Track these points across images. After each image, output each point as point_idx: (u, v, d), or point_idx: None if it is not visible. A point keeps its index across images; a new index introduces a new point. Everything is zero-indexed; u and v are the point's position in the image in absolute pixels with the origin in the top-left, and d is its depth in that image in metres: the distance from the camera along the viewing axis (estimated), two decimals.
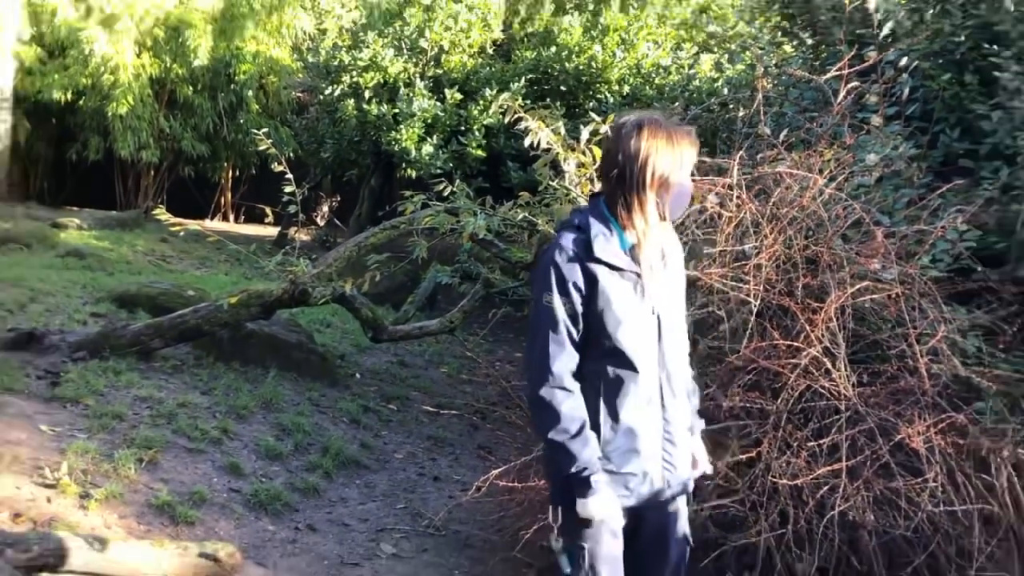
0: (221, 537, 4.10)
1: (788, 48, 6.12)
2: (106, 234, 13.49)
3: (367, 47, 11.32)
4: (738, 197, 3.54)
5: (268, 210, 7.90)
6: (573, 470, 2.32)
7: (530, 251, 5.25)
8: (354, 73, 11.47)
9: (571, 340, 2.37)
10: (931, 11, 4.38)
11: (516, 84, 10.13)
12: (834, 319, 3.33)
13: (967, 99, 4.37)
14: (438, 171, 10.21)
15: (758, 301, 3.39)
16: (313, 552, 4.27)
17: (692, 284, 3.67)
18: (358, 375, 7.41)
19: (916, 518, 3.26)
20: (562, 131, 3.57)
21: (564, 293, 2.35)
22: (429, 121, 10.72)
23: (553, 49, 10.72)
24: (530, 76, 10.63)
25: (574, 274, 2.35)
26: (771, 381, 3.50)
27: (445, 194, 4.50)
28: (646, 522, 2.52)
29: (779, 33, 6.21)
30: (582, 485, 2.33)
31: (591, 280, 2.35)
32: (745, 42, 6.10)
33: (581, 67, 10.51)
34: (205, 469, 4.74)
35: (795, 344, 3.34)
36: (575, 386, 2.38)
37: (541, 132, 3.48)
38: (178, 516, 4.14)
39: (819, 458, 3.29)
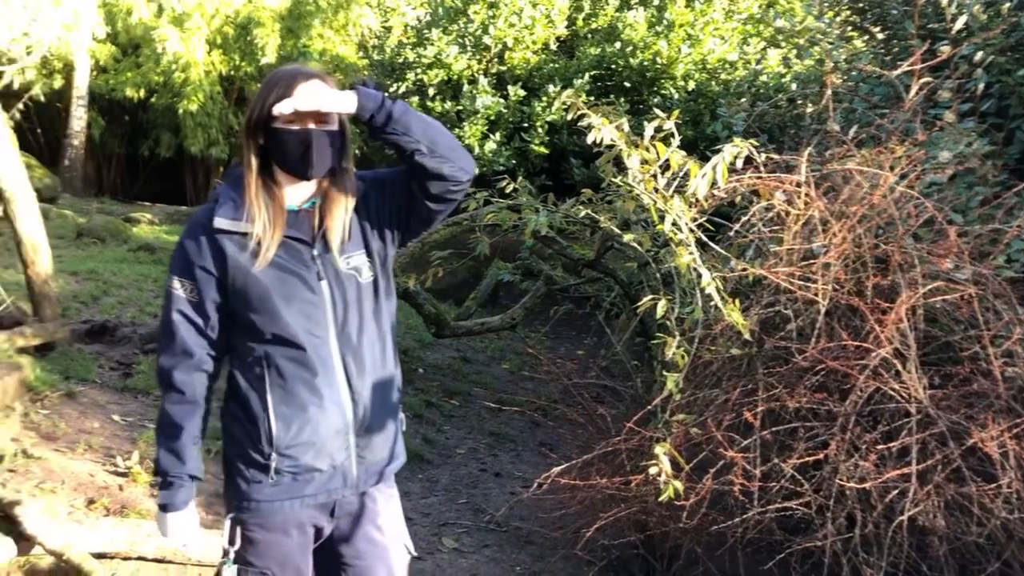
0: None
1: (858, 43, 6.00)
2: (176, 229, 13.79)
3: (431, 44, 11.38)
4: (806, 195, 3.48)
5: None
6: (158, 476, 2.19)
7: (592, 248, 5.23)
8: (418, 70, 11.55)
9: (195, 330, 2.13)
10: (1007, 4, 4.25)
11: (580, 80, 10.11)
12: (905, 320, 3.25)
13: None
14: (501, 168, 10.23)
15: (826, 301, 3.33)
16: None
17: (758, 283, 3.62)
18: (421, 370, 7.46)
19: (989, 524, 3.17)
20: (626, 127, 3.53)
21: (188, 276, 2.11)
22: (492, 118, 10.74)
23: (617, 45, 10.67)
24: (594, 72, 10.59)
25: (200, 253, 2.10)
26: (839, 382, 3.43)
27: (507, 191, 4.51)
28: (342, 531, 2.31)
29: (849, 28, 6.09)
30: (161, 497, 2.20)
31: (220, 257, 2.09)
32: (814, 37, 5.97)
33: (645, 63, 10.45)
34: None
35: (864, 345, 3.28)
36: (188, 385, 2.13)
37: (604, 128, 3.44)
38: None
39: (888, 461, 3.22)
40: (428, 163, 2.14)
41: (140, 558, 3.57)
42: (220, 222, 2.07)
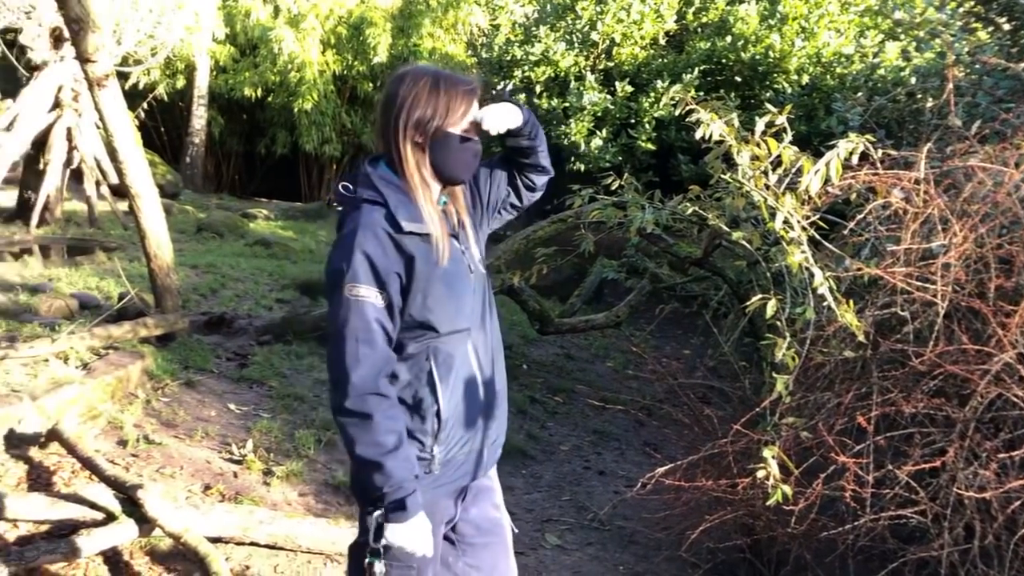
0: None
1: (982, 35, 5.76)
2: (291, 224, 14.22)
3: (539, 41, 11.40)
4: (925, 192, 3.36)
5: None
6: (387, 490, 2.04)
7: (700, 246, 5.16)
8: (526, 68, 11.58)
9: (386, 336, 2.07)
10: None
11: (689, 75, 9.97)
12: None
13: None
14: (607, 164, 10.18)
15: (946, 303, 3.20)
16: None
17: (874, 283, 3.51)
18: (525, 366, 7.50)
19: None
20: (736, 123, 3.47)
21: (378, 282, 2.05)
22: (598, 114, 10.70)
23: (728, 39, 10.49)
24: (704, 67, 10.44)
25: (387, 257, 2.05)
26: (958, 388, 3.30)
27: (613, 188, 4.48)
28: (464, 511, 2.34)
29: (972, 19, 5.86)
30: (396, 509, 2.06)
31: (408, 259, 2.07)
32: (935, 29, 5.76)
33: (757, 57, 10.24)
34: None
35: (986, 349, 3.14)
36: (391, 390, 2.09)
37: (713, 124, 3.39)
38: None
39: (1010, 471, 3.08)
40: (542, 160, 2.37)
41: (252, 544, 3.69)
42: (408, 225, 2.07)
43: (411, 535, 2.09)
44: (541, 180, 2.42)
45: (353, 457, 2.06)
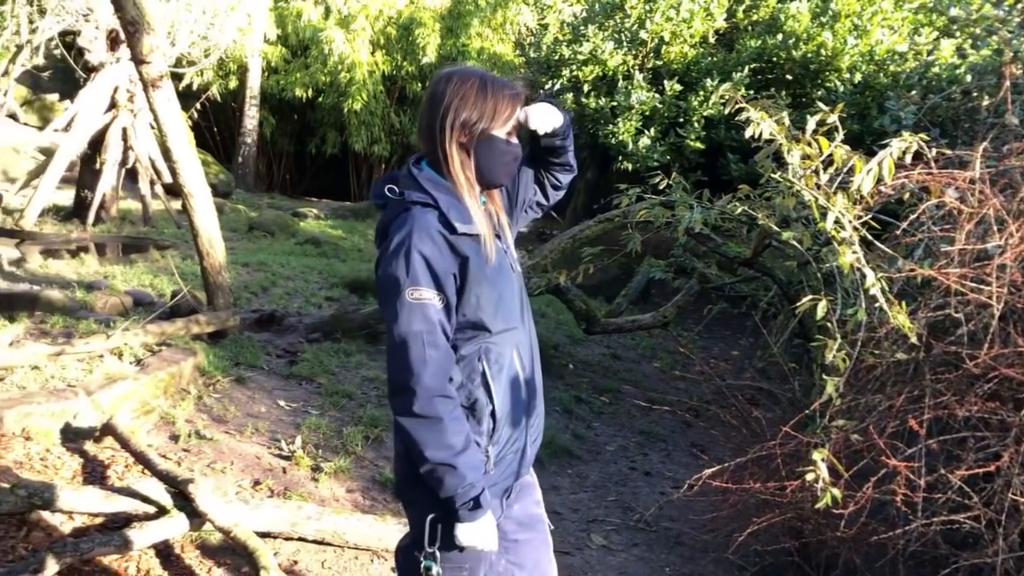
0: None
1: None
2: (340, 223, 14.36)
3: (587, 40, 11.38)
4: (980, 192, 3.30)
5: None
6: (460, 491, 2.02)
7: (749, 246, 5.12)
8: (573, 67, 11.56)
9: (446, 338, 2.06)
10: None
11: (739, 74, 9.89)
12: None
13: None
14: (655, 164, 10.12)
15: (1001, 304, 3.14)
16: None
17: (927, 284, 3.45)
18: (571, 365, 7.49)
19: None
20: (786, 122, 3.43)
21: (436, 285, 2.04)
22: (647, 113, 10.64)
23: (779, 37, 10.38)
24: (754, 65, 10.35)
25: (444, 259, 2.04)
26: (1014, 391, 3.24)
27: (661, 187, 4.46)
28: (508, 509, 2.29)
29: None
30: (471, 508, 2.04)
31: (462, 260, 2.07)
32: (991, 25, 5.65)
33: (809, 55, 10.12)
34: None
35: None
36: (453, 391, 2.08)
37: (763, 123, 3.36)
38: None
39: None
40: (571, 159, 2.40)
41: (301, 539, 3.73)
42: (461, 226, 2.07)
43: (482, 533, 2.08)
44: (567, 178, 2.44)
45: (423, 460, 2.03)
